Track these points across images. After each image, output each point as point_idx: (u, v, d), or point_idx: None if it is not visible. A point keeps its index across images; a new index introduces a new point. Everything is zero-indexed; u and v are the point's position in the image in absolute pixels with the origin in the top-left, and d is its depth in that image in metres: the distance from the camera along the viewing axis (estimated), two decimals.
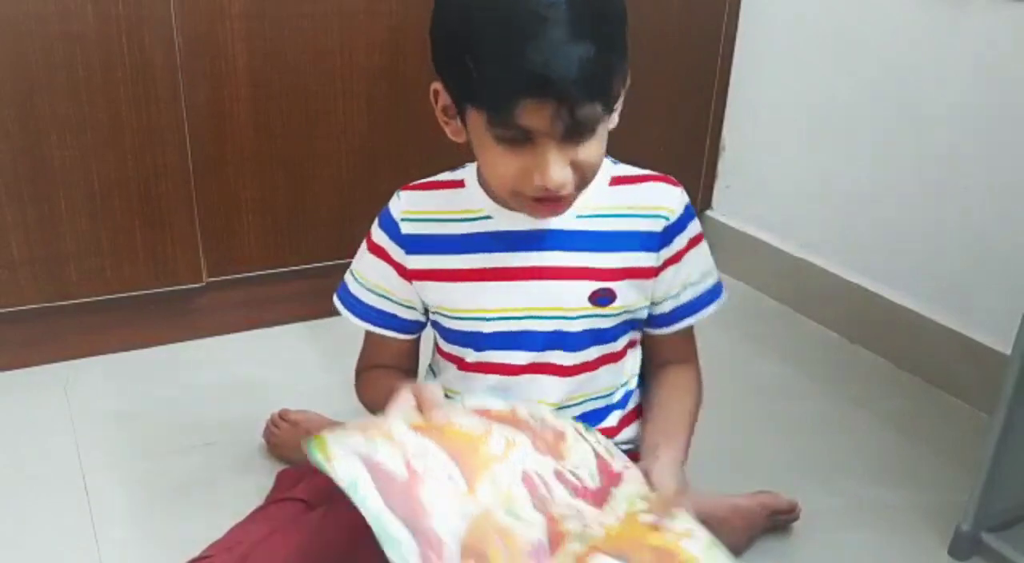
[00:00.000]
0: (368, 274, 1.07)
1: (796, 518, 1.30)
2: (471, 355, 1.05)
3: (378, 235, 1.05)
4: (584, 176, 0.91)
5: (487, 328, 1.02)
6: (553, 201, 0.91)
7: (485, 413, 0.90)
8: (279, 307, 1.83)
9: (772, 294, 2.04)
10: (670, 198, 1.03)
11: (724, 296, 1.10)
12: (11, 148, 1.49)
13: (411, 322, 1.09)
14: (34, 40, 1.44)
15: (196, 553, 1.02)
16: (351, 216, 1.77)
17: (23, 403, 1.56)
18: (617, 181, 1.03)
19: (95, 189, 1.57)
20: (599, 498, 0.89)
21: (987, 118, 1.59)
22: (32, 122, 1.49)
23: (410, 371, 1.13)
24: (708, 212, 2.20)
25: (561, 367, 1.03)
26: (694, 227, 1.06)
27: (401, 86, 1.73)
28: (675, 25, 1.98)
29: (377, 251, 1.06)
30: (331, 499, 1.03)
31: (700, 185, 2.18)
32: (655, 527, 0.85)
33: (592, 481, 0.90)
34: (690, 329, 1.11)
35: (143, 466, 1.40)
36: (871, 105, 1.79)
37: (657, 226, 1.01)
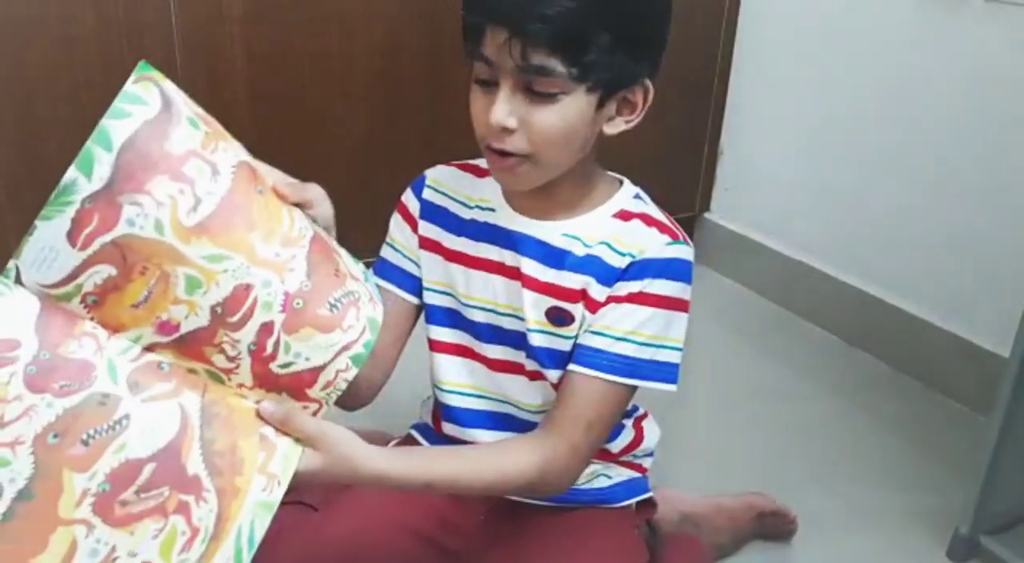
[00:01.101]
0: (394, 233, 1.09)
1: (794, 529, 1.30)
2: (457, 337, 1.05)
3: (407, 193, 1.08)
4: (536, 144, 0.88)
5: (469, 315, 1.03)
6: (502, 157, 0.90)
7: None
8: None
9: (770, 297, 2.05)
10: (651, 241, 0.94)
11: (669, 386, 0.95)
12: (11, 151, 1.49)
13: (412, 278, 1.07)
14: (34, 43, 1.44)
15: None
16: (349, 218, 1.75)
17: None
18: (619, 215, 0.98)
19: None
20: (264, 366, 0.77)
21: (984, 122, 1.59)
22: (32, 125, 1.49)
23: (389, 342, 1.05)
24: (706, 215, 2.20)
25: (529, 371, 1.03)
26: (663, 286, 0.94)
27: (399, 89, 1.73)
28: (674, 29, 1.97)
29: (401, 209, 1.08)
30: (334, 500, 1.03)
31: (699, 188, 2.18)
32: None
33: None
34: (592, 393, 0.93)
35: None
36: (869, 109, 1.80)
37: (622, 262, 0.94)
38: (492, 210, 1.01)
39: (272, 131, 1.67)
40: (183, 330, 0.72)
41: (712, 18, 2.04)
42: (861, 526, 1.35)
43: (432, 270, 1.05)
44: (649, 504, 1.15)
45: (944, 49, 1.64)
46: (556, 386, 1.00)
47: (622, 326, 0.93)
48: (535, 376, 1.02)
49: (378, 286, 1.00)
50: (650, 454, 1.14)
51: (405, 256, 1.07)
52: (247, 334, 0.74)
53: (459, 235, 1.03)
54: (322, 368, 0.79)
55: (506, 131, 0.87)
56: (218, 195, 0.74)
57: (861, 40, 1.79)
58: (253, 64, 1.61)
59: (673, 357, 0.96)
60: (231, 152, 0.80)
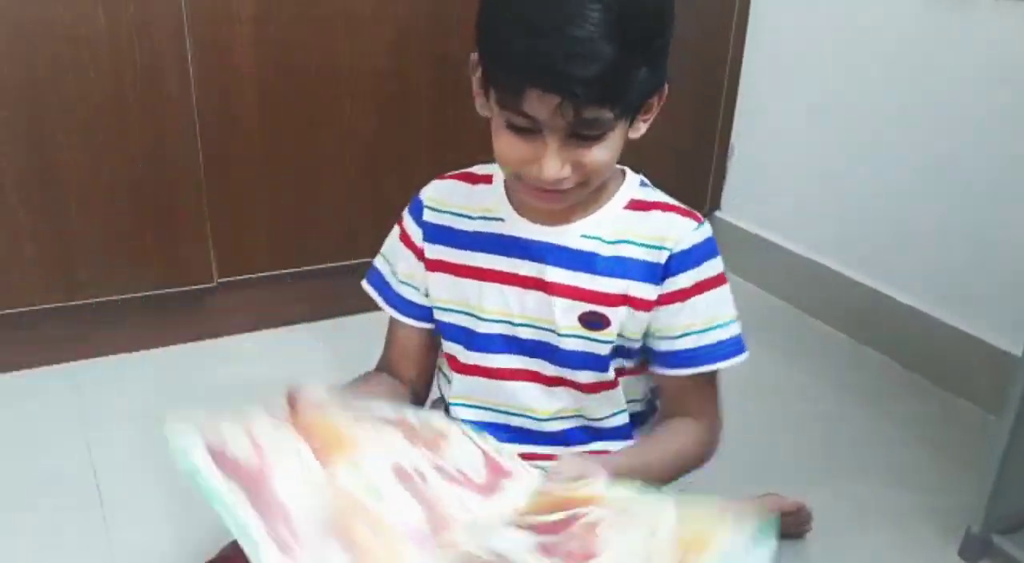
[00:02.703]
0: (397, 261, 1.09)
1: (808, 527, 1.30)
2: (463, 354, 1.06)
3: (406, 219, 1.08)
4: (588, 177, 0.90)
5: (481, 328, 1.03)
6: (551, 193, 0.91)
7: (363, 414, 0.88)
8: (289, 307, 1.84)
9: (780, 295, 2.04)
10: (679, 230, 0.97)
11: (743, 355, 1.02)
12: (23, 150, 1.50)
13: (421, 307, 1.09)
14: (45, 43, 1.45)
15: (209, 553, 1.02)
16: (359, 218, 1.78)
17: (35, 403, 1.57)
18: (632, 206, 0.99)
19: (106, 191, 1.58)
20: (487, 489, 0.87)
21: (994, 118, 1.58)
22: (42, 124, 1.49)
23: (415, 376, 1.13)
24: (717, 213, 2.19)
25: (546, 377, 1.03)
26: (709, 268, 0.99)
27: (408, 88, 1.74)
28: (684, 26, 1.96)
29: (403, 237, 1.08)
30: None
31: (709, 186, 2.18)
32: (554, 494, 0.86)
33: (477, 476, 0.88)
34: (701, 383, 1.03)
35: (155, 466, 1.41)
36: (879, 106, 1.79)
37: (660, 257, 0.97)
38: (500, 219, 1.00)
39: (281, 130, 1.68)
40: None
41: (723, 15, 2.03)
42: (872, 525, 1.34)
43: (443, 289, 1.05)
44: None
45: (956, 47, 1.63)
46: (584, 387, 1.02)
47: (702, 317, 0.99)
48: (553, 382, 1.02)
49: (395, 319, 1.09)
50: None
51: (413, 286, 1.07)
52: None
53: (466, 249, 1.02)
54: None
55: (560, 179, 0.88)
56: (306, 452, 0.82)
57: (872, 38, 1.78)
58: (263, 64, 1.62)
59: (735, 329, 1.02)
60: (261, 424, 0.84)
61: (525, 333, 1.01)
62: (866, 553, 1.29)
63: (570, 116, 0.83)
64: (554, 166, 0.87)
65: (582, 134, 0.86)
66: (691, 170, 2.14)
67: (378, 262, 1.12)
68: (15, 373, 1.64)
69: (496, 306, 1.01)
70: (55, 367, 1.67)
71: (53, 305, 1.61)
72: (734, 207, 2.18)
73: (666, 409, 1.08)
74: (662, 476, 1.00)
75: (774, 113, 2.05)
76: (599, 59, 0.80)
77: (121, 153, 1.56)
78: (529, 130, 0.86)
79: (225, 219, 1.69)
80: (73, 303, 1.62)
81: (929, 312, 1.74)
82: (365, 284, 1.12)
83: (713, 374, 1.03)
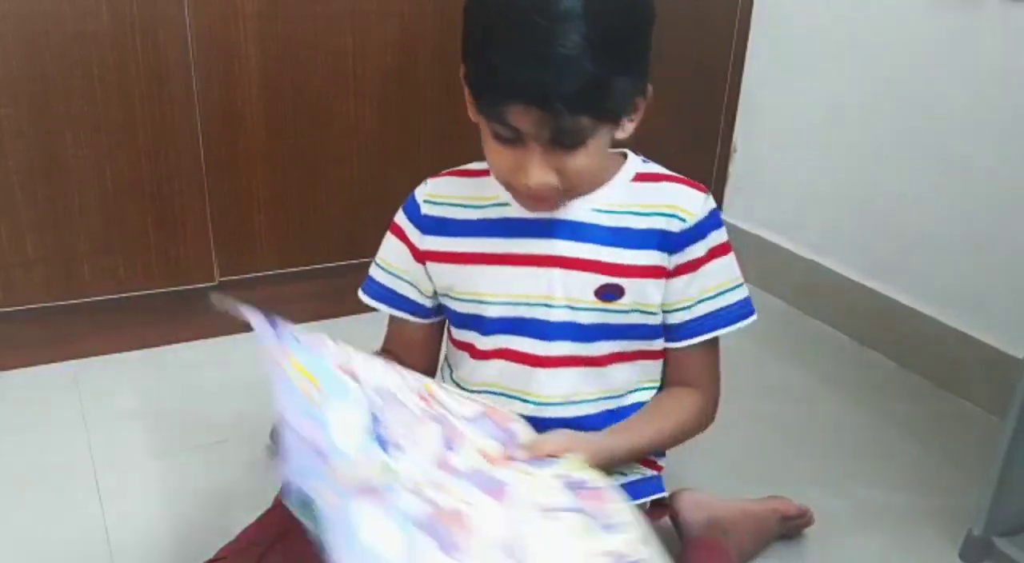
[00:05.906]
0: (388, 256, 1.10)
1: (809, 523, 1.30)
2: (480, 341, 1.06)
3: (400, 216, 1.09)
4: (573, 183, 0.93)
5: (492, 312, 1.03)
6: (540, 199, 0.95)
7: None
8: (291, 307, 1.82)
9: (782, 296, 2.04)
10: (690, 201, 1.02)
11: (753, 317, 1.07)
12: (26, 147, 1.50)
13: (424, 307, 1.10)
14: (49, 39, 1.45)
15: (209, 551, 1.02)
16: (362, 216, 1.78)
17: (36, 401, 1.57)
18: (640, 178, 1.03)
19: (109, 189, 1.58)
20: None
21: (1000, 120, 1.58)
22: (47, 121, 1.50)
23: (421, 365, 1.13)
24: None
25: (572, 358, 1.03)
26: (717, 236, 1.03)
27: (412, 86, 1.74)
28: (687, 26, 1.98)
29: (397, 232, 1.08)
30: None
31: (711, 187, 2.16)
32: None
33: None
34: (707, 350, 1.07)
35: (155, 464, 1.41)
36: (883, 107, 1.79)
37: (673, 226, 1.00)
38: (506, 204, 1.01)
39: (285, 129, 1.68)
40: None
41: (725, 17, 2.03)
42: (873, 527, 1.34)
43: (447, 278, 1.06)
44: (662, 505, 1.14)
45: (959, 48, 1.63)
46: (599, 361, 1.03)
47: (715, 282, 1.03)
48: (574, 362, 1.03)
49: (398, 319, 1.11)
50: (662, 453, 1.14)
51: (407, 281, 1.08)
52: None
53: (471, 237, 1.03)
54: None
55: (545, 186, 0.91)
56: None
57: (875, 39, 1.78)
58: (266, 61, 1.62)
59: (744, 292, 1.07)
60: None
61: (543, 313, 1.02)
62: (867, 555, 1.29)
63: (552, 127, 0.87)
64: (538, 173, 0.90)
65: (564, 142, 0.89)
66: (693, 170, 2.11)
67: (374, 272, 1.12)
68: (17, 371, 1.64)
69: (507, 289, 1.02)
70: (56, 365, 1.67)
71: (55, 303, 1.61)
72: (736, 208, 2.18)
73: (671, 377, 1.10)
74: (659, 449, 1.09)
75: (777, 114, 2.05)
76: (579, 74, 0.84)
77: (125, 150, 1.56)
78: (513, 140, 0.90)
79: (227, 217, 1.69)
80: (75, 301, 1.62)
81: (931, 314, 1.74)
82: (367, 297, 1.13)
83: (716, 340, 1.06)
